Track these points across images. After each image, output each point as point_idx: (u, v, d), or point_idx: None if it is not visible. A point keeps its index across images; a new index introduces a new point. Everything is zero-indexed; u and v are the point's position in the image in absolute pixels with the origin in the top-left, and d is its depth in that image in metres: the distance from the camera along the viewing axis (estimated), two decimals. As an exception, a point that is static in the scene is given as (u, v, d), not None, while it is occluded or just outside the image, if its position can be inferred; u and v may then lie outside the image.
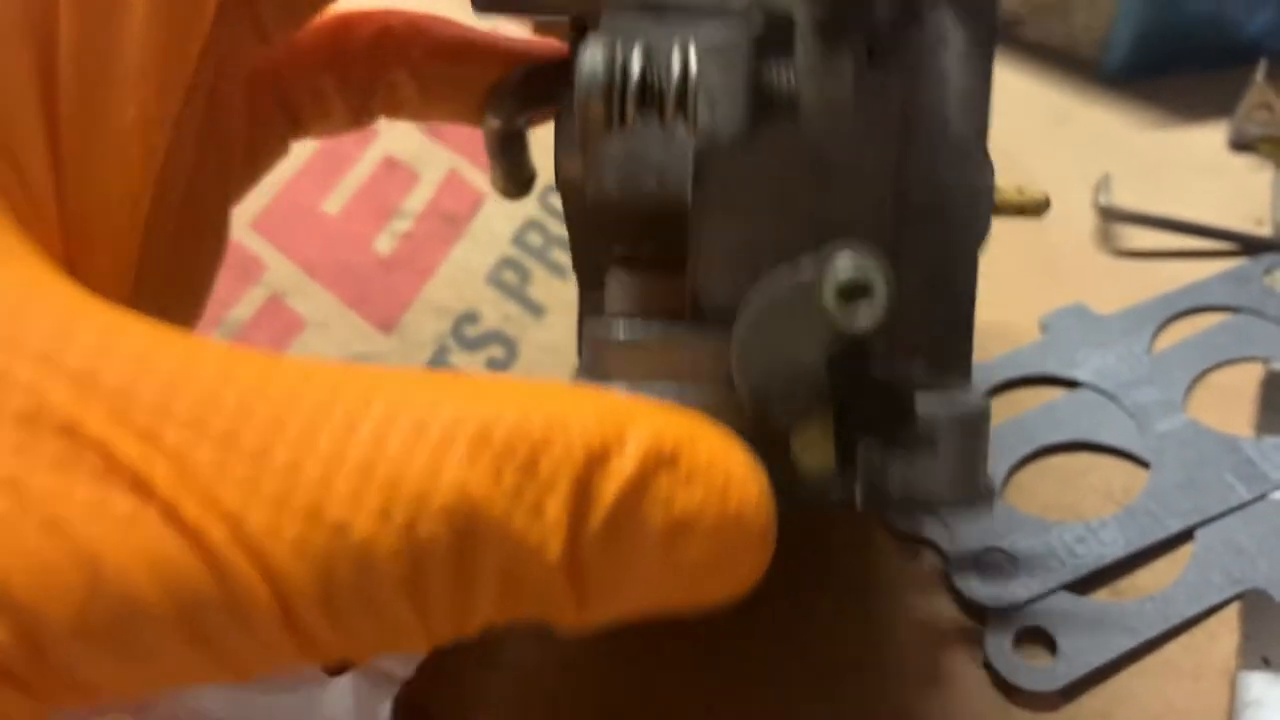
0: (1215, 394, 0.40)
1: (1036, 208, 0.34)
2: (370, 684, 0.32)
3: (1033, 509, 0.37)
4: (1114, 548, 0.36)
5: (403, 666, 0.32)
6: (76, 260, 0.22)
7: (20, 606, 0.17)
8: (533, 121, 0.32)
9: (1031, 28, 0.51)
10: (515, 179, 0.33)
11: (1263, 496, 0.37)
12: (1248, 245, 0.44)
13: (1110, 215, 0.44)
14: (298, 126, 0.34)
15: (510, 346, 0.42)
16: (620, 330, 0.25)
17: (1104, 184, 0.45)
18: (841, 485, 0.23)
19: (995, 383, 0.40)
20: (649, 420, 0.21)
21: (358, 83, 0.35)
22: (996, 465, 0.38)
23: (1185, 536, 0.36)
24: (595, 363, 0.25)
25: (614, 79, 0.22)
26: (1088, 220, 0.45)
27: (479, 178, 0.46)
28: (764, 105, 0.23)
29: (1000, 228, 0.43)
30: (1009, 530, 0.36)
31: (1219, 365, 0.41)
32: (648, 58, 0.23)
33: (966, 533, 0.36)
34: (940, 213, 0.26)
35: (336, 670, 0.32)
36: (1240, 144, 0.48)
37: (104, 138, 0.22)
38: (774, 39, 0.23)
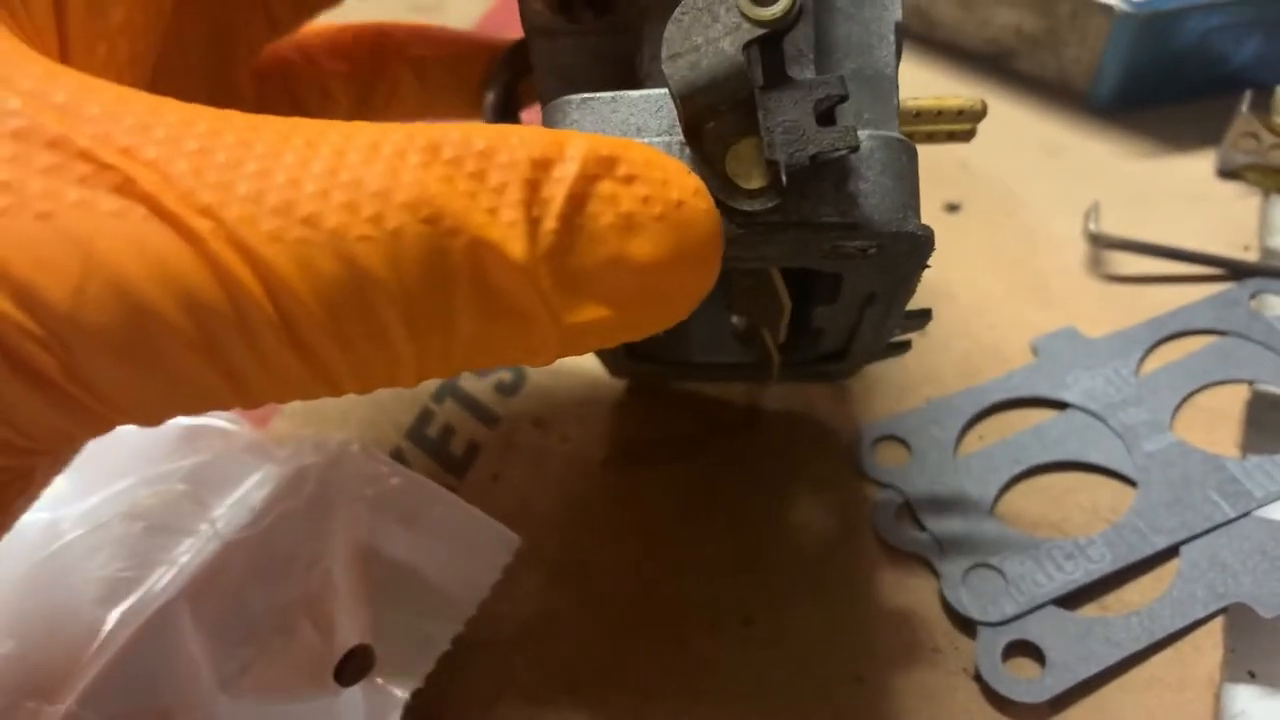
0: (1201, 415, 0.41)
1: (974, 114, 0.35)
2: (380, 696, 0.33)
3: (1022, 526, 0.38)
4: (1101, 564, 0.37)
5: (412, 680, 0.33)
6: None
7: (19, 282, 0.19)
8: (525, 93, 0.35)
9: (1024, 60, 0.53)
10: None
11: (1246, 514, 0.38)
12: (1234, 270, 0.45)
13: (1099, 242, 0.46)
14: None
15: (518, 368, 0.43)
16: (574, 98, 0.27)
17: (1093, 211, 0.46)
18: (776, 211, 0.25)
19: (987, 404, 0.42)
20: (585, 137, 0.23)
21: (361, 76, 0.37)
22: (988, 485, 0.39)
23: (1171, 553, 0.37)
24: (552, 128, 0.27)
25: None
26: (1078, 247, 0.47)
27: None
28: None
29: (995, 256, 0.44)
30: (999, 547, 0.38)
31: (1205, 387, 0.42)
32: None
33: (957, 548, 0.37)
34: (859, 10, 0.28)
35: (349, 679, 0.33)
36: (1227, 172, 0.49)
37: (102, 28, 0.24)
38: None
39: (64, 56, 0.24)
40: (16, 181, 0.19)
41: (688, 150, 0.26)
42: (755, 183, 0.25)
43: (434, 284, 0.21)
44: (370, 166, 0.21)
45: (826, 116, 0.24)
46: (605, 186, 0.22)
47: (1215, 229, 0.47)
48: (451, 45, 0.37)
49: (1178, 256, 0.45)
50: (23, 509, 0.24)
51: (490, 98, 0.36)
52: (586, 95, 0.27)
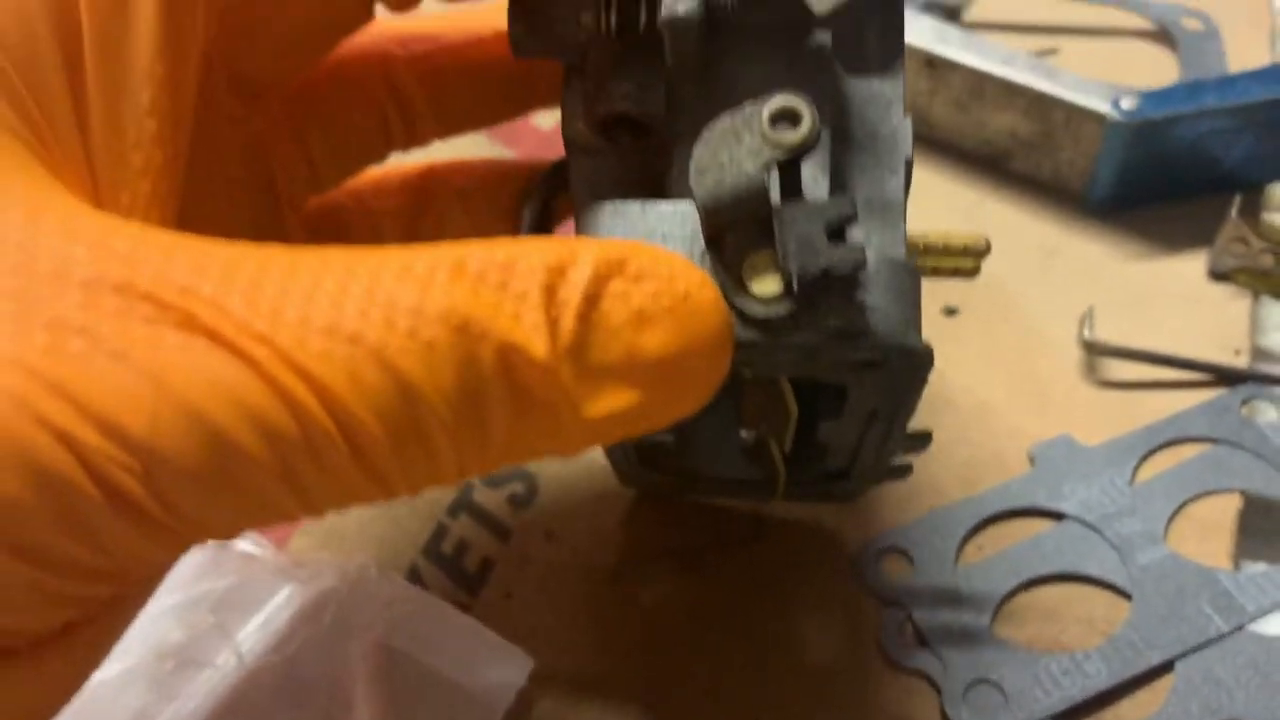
0: (1194, 525, 0.42)
1: (978, 251, 0.37)
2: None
3: (1021, 640, 0.39)
4: (1098, 679, 0.38)
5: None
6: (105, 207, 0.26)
7: (103, 416, 0.21)
8: (560, 209, 0.37)
9: (1020, 161, 0.55)
10: None
11: (1240, 628, 0.39)
12: (1226, 377, 0.46)
13: (1095, 349, 0.47)
14: None
15: (529, 481, 0.44)
16: (607, 203, 0.30)
17: (1088, 318, 0.47)
18: (789, 319, 0.27)
19: (986, 515, 0.43)
20: (596, 242, 0.25)
21: (409, 211, 0.39)
22: (988, 597, 0.41)
23: (1166, 668, 0.39)
24: (583, 231, 0.30)
25: None
26: (1074, 352, 0.48)
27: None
28: (717, 5, 0.29)
29: (994, 361, 0.45)
30: (999, 663, 0.39)
31: (1198, 496, 0.43)
32: None
33: (958, 663, 0.39)
34: (872, 144, 0.31)
35: None
36: (1219, 274, 0.50)
37: (124, 110, 0.25)
38: None
39: (97, 200, 0.25)
40: (91, 325, 0.21)
41: (709, 258, 0.28)
42: (770, 290, 0.27)
43: (467, 385, 0.23)
44: (404, 285, 0.23)
45: (838, 234, 0.26)
46: (617, 285, 0.24)
47: (1208, 331, 0.49)
48: (492, 173, 0.39)
49: (1171, 363, 0.47)
50: (115, 639, 0.26)
51: (527, 214, 0.38)
52: (620, 202, 0.30)
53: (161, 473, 0.21)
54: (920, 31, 0.54)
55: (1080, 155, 0.52)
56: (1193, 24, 0.61)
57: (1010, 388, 0.47)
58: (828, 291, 0.27)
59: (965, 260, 0.36)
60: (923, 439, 0.37)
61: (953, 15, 0.62)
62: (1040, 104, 0.52)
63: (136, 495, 0.21)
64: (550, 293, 0.23)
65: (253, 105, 0.33)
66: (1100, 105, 0.50)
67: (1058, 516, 0.43)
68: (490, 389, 0.23)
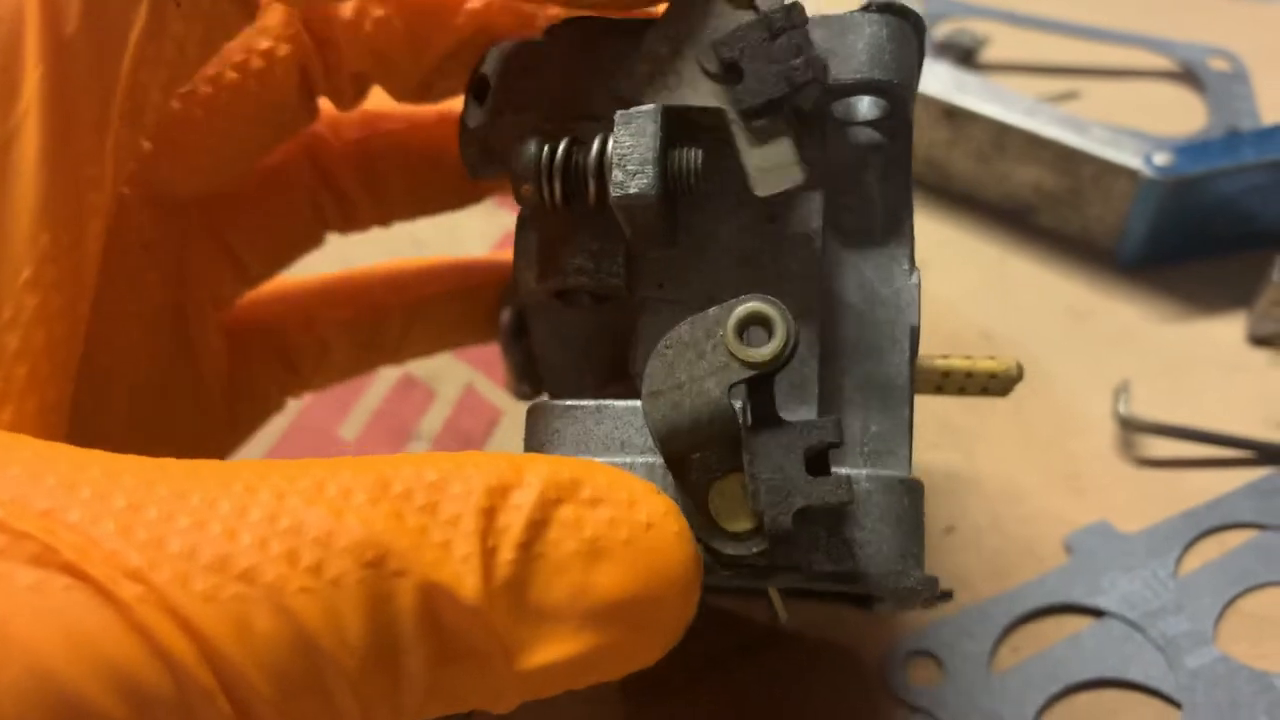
0: (1246, 623, 0.39)
1: (1008, 379, 0.34)
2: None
3: (1063, 756, 0.36)
4: (1148, 802, 0.35)
5: None
6: None
7: None
8: None
9: (1045, 216, 0.52)
10: (527, 375, 0.35)
11: (1299, 742, 0.36)
12: (1270, 455, 0.43)
13: (1131, 426, 0.44)
14: (296, 377, 0.35)
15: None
16: (556, 404, 0.26)
17: (1123, 392, 0.45)
18: (764, 557, 0.23)
19: (1021, 613, 0.40)
20: (546, 460, 0.21)
21: (364, 321, 0.36)
22: (1025, 706, 0.37)
23: (1221, 787, 0.36)
24: (532, 437, 0.27)
25: (540, 165, 0.26)
26: (1109, 427, 0.45)
27: (495, 393, 0.46)
28: (675, 177, 0.26)
29: (1024, 439, 0.42)
30: (1039, 783, 0.36)
31: (1249, 590, 0.40)
32: (573, 144, 0.27)
33: (996, 786, 0.36)
34: (871, 309, 0.28)
35: None
36: (1259, 339, 0.47)
37: None
38: (679, 131, 0.26)
39: None
40: None
41: (670, 478, 0.24)
42: (740, 525, 0.23)
43: (379, 632, 0.19)
44: (313, 509, 0.19)
45: (819, 462, 0.23)
46: (567, 511, 0.21)
47: (1250, 401, 0.46)
48: (463, 277, 0.35)
49: (1212, 440, 0.44)
50: None
51: (506, 317, 0.35)
52: (570, 403, 0.26)
53: None
54: (938, 79, 0.51)
55: (1110, 211, 0.49)
56: (1220, 64, 0.58)
57: (1042, 467, 0.44)
58: (810, 524, 0.24)
59: (994, 384, 0.32)
60: (942, 598, 0.33)
61: (967, 57, 0.59)
62: (1067, 158, 0.49)
63: None
64: (489, 517, 0.20)
65: (169, 223, 0.30)
66: (1132, 160, 0.47)
67: (1098, 614, 0.40)
68: (406, 635, 0.20)
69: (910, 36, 0.28)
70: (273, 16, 0.28)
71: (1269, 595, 0.40)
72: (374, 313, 0.35)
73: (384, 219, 0.35)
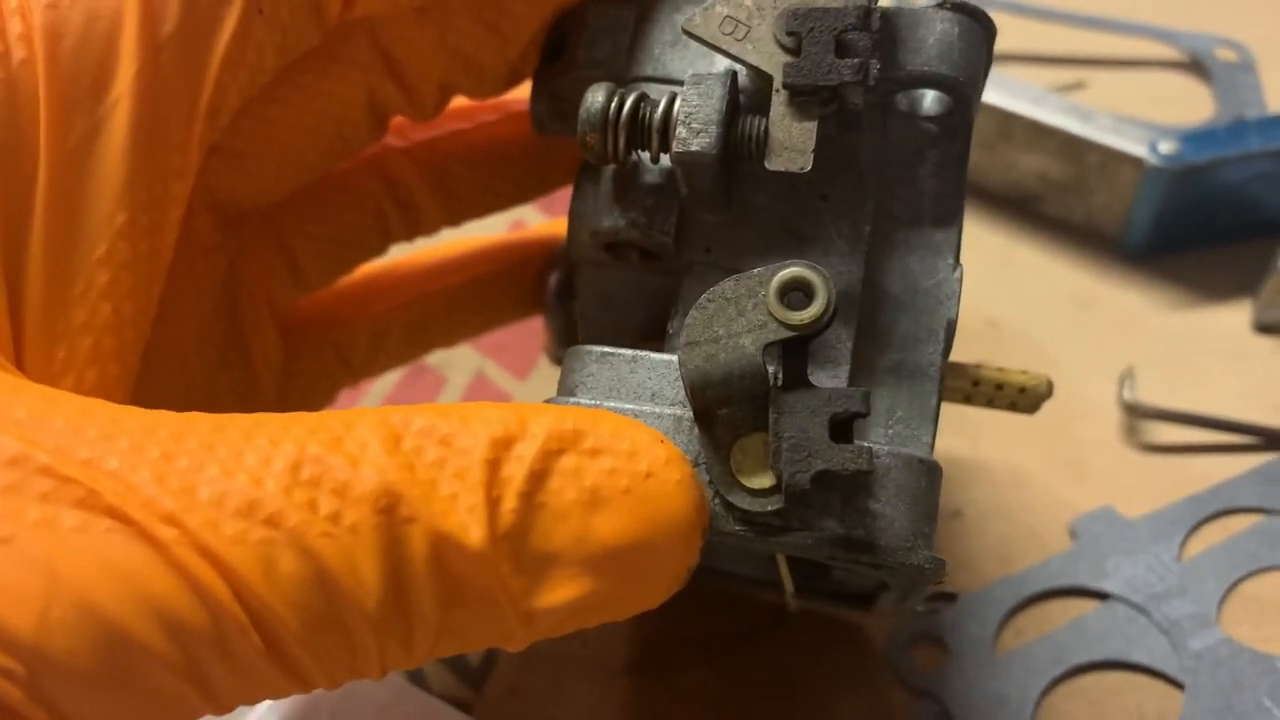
0: (1249, 606, 0.39)
1: (1037, 395, 0.34)
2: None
3: (1066, 736, 0.37)
4: (1150, 782, 0.35)
5: None
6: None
7: None
8: None
9: (1050, 204, 0.52)
10: (566, 339, 0.36)
11: (1301, 723, 0.36)
12: (1274, 440, 0.44)
13: (1136, 411, 0.44)
14: (348, 369, 0.36)
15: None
16: (595, 349, 0.27)
17: (1128, 378, 0.45)
18: (777, 517, 0.24)
19: (1025, 596, 0.40)
20: (551, 410, 0.22)
21: (417, 306, 0.36)
22: (1029, 688, 0.38)
23: (1223, 768, 0.36)
24: (566, 378, 0.27)
25: (608, 116, 0.26)
26: (1114, 414, 0.45)
27: (505, 379, 0.46)
28: (737, 143, 0.26)
29: (1029, 425, 0.43)
30: (1043, 763, 0.36)
31: (1251, 574, 0.40)
32: (641, 99, 0.27)
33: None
34: (911, 299, 0.28)
35: None
36: (1264, 326, 0.47)
37: (73, 261, 0.23)
38: (754, 100, 0.27)
39: (18, 356, 0.23)
40: None
41: (696, 430, 0.25)
42: (759, 482, 0.24)
43: (393, 575, 0.21)
44: (332, 458, 0.20)
45: (842, 430, 0.23)
46: (569, 460, 0.22)
47: (1254, 388, 0.46)
48: (508, 254, 0.36)
49: (1217, 426, 0.44)
50: None
51: (553, 282, 0.36)
52: (608, 350, 0.27)
53: (49, 676, 0.19)
54: (944, 69, 0.51)
55: (1115, 200, 0.49)
56: (1226, 54, 0.58)
57: (1047, 453, 0.44)
58: (827, 489, 0.24)
59: (1022, 399, 0.33)
60: (946, 599, 0.34)
61: (975, 47, 0.59)
62: (1073, 146, 0.49)
63: (17, 703, 0.19)
64: (493, 468, 0.21)
65: (229, 229, 0.31)
66: (1137, 149, 0.47)
67: (1102, 596, 0.40)
68: (418, 579, 0.21)
69: (981, 38, 0.28)
70: (344, 39, 0.29)
71: (1272, 579, 0.40)
72: (425, 300, 0.36)
73: (452, 220, 0.35)
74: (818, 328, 0.23)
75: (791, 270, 0.23)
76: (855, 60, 0.25)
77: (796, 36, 0.25)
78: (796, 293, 0.23)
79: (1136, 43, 0.59)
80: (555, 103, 0.30)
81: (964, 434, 0.44)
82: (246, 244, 0.31)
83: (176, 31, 0.23)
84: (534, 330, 0.41)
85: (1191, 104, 0.57)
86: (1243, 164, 0.47)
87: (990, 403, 0.32)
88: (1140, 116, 0.51)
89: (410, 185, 0.34)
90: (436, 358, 0.47)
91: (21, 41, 0.22)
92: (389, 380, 0.46)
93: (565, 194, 0.30)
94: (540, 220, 0.49)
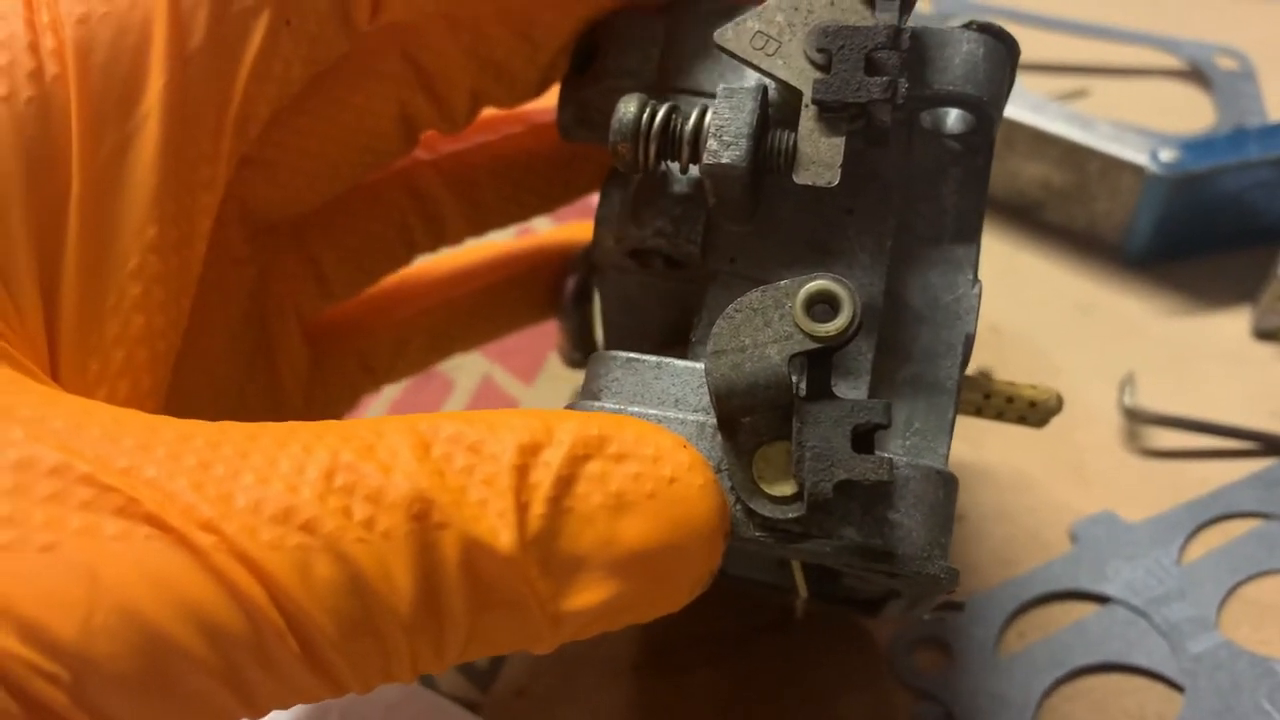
0: (1249, 609, 0.40)
1: (1047, 409, 0.34)
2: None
3: (1067, 738, 0.37)
4: (1150, 783, 0.36)
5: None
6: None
7: (26, 619, 0.19)
8: None
9: (1053, 212, 0.52)
10: (582, 343, 0.37)
11: (1300, 725, 0.37)
12: (1273, 446, 0.44)
13: (1136, 417, 0.45)
14: (370, 376, 0.36)
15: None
16: (620, 355, 0.27)
17: (1129, 384, 0.45)
18: (798, 524, 0.24)
19: (1027, 599, 0.41)
20: (576, 417, 0.23)
21: (438, 313, 0.37)
22: (1030, 690, 0.38)
23: (1223, 770, 0.36)
24: (591, 383, 0.27)
25: (640, 126, 0.27)
26: (1114, 419, 0.46)
27: (513, 384, 0.47)
28: (766, 156, 0.26)
29: (1030, 430, 0.43)
30: (1044, 764, 0.36)
31: (1251, 578, 0.41)
32: (672, 110, 0.27)
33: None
34: (932, 313, 0.29)
35: None
36: (1264, 332, 0.48)
37: (106, 273, 0.23)
38: (783, 114, 0.27)
39: (53, 369, 0.23)
40: (19, 514, 0.19)
41: (719, 437, 0.25)
42: (780, 490, 0.24)
43: (426, 580, 0.21)
44: (365, 465, 0.21)
45: (864, 441, 0.24)
46: (594, 466, 0.22)
47: (1253, 394, 0.46)
48: (526, 259, 0.37)
49: (1216, 431, 0.44)
50: None
51: (569, 286, 0.37)
52: (632, 356, 0.27)
53: (92, 681, 0.19)
54: (947, 77, 0.52)
55: (1117, 207, 0.50)
56: (1227, 63, 0.59)
57: (1049, 458, 0.45)
58: (847, 498, 0.24)
59: (1032, 413, 0.33)
60: (954, 607, 0.34)
61: (978, 55, 0.60)
62: (1074, 154, 0.50)
63: (62, 707, 0.19)
64: (521, 475, 0.22)
65: (257, 240, 0.31)
66: (1138, 157, 0.48)
67: (1102, 600, 0.40)
68: (449, 583, 0.21)
69: (1004, 58, 0.29)
70: (375, 51, 0.29)
71: (1271, 582, 0.41)
72: (446, 307, 0.36)
73: (476, 231, 0.36)
74: (843, 340, 0.23)
75: (818, 283, 0.23)
76: (884, 78, 0.25)
77: (827, 53, 0.26)
78: (822, 305, 0.23)
79: (1138, 51, 0.60)
80: (582, 111, 0.31)
81: (967, 438, 0.45)
82: (274, 255, 0.32)
83: (204, 45, 0.24)
84: (540, 335, 0.42)
85: (1192, 112, 0.57)
86: (1243, 172, 0.48)
87: (1000, 415, 0.32)
88: (1141, 124, 0.51)
89: (437, 198, 0.34)
90: (444, 362, 0.47)
91: (54, 57, 0.22)
92: (396, 385, 0.46)
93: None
94: (548, 227, 0.49)
